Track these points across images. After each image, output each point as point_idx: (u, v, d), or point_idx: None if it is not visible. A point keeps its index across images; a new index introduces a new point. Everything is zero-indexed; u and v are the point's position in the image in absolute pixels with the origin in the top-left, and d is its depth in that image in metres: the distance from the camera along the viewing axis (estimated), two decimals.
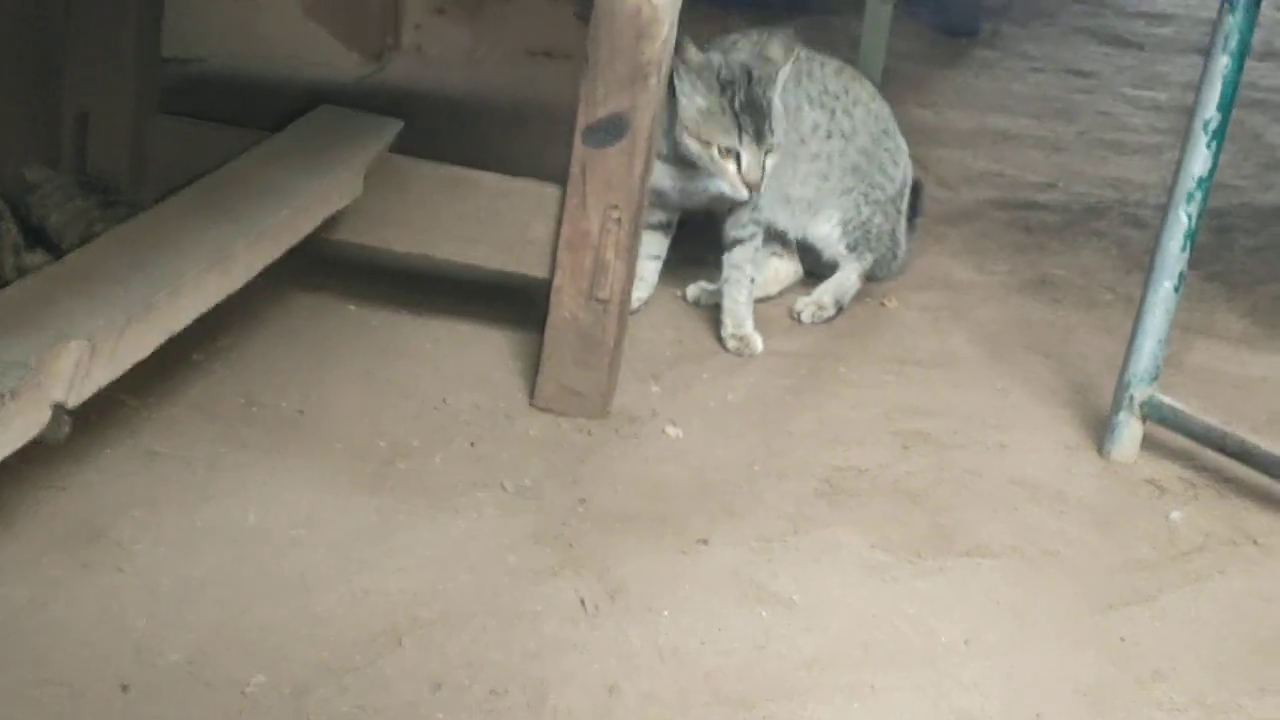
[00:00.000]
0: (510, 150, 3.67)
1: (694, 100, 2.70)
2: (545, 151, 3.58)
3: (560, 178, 2.60)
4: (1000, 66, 5.42)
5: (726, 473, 2.52)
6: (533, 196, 2.64)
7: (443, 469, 2.41)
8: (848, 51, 5.09)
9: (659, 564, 2.24)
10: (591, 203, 2.56)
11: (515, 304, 2.86)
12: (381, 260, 2.85)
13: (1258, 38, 2.42)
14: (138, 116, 2.71)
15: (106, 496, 2.20)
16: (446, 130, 3.80)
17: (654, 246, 3.01)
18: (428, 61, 4.67)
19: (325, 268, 2.87)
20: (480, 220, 2.66)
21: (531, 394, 2.66)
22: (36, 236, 2.28)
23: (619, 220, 2.56)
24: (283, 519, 2.21)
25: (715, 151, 2.71)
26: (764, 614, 2.15)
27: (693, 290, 3.11)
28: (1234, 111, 2.53)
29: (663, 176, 2.81)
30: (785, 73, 2.78)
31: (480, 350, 2.83)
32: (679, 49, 2.65)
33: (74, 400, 1.73)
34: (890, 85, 4.80)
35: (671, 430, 2.63)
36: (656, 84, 2.51)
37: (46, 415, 1.67)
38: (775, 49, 2.80)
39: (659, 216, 2.97)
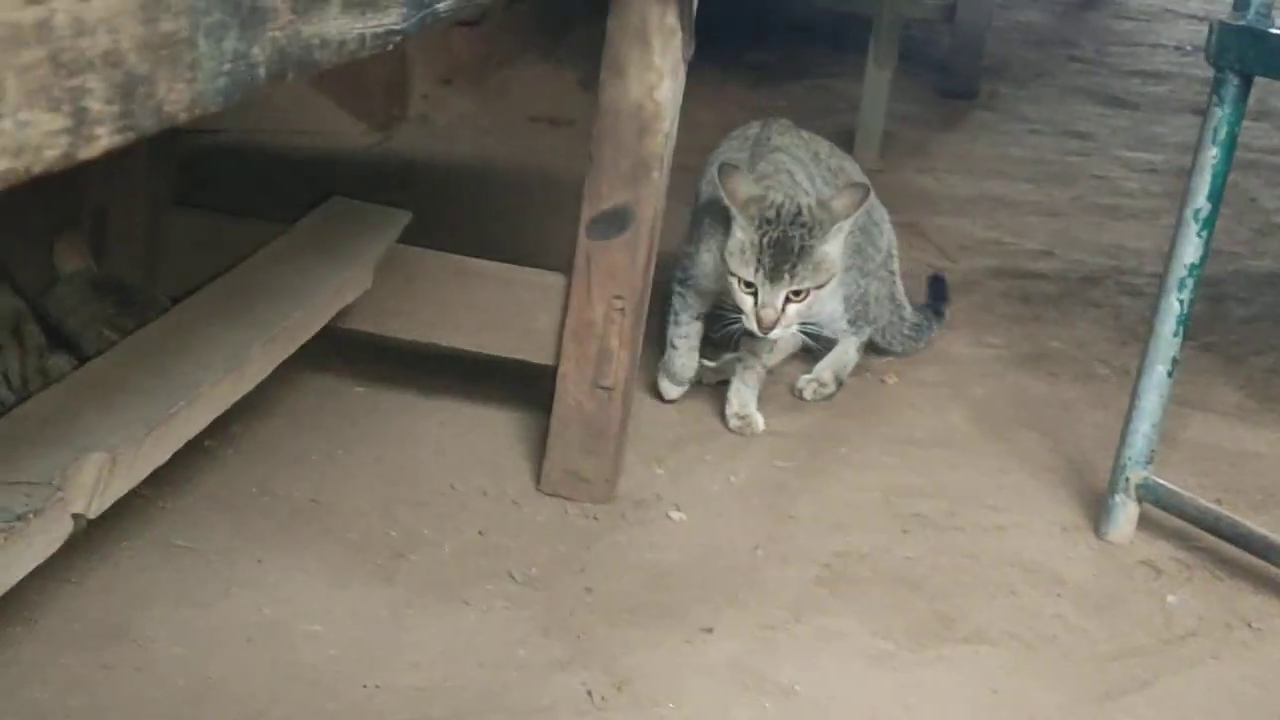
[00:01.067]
0: (514, 216, 3.74)
1: (736, 232, 2.73)
2: (548, 217, 3.67)
3: (562, 246, 2.66)
4: (998, 129, 5.49)
5: (730, 558, 2.57)
6: (538, 287, 2.70)
7: (453, 559, 2.46)
8: (848, 115, 5.18)
9: (664, 654, 2.28)
10: (596, 293, 2.62)
11: (519, 384, 2.91)
12: (389, 342, 2.90)
13: (1251, 97, 2.48)
14: (153, 210, 2.78)
15: (125, 592, 2.25)
16: (451, 199, 3.87)
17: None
18: (434, 131, 4.75)
19: (332, 348, 2.92)
20: (486, 310, 2.72)
21: (538, 479, 2.71)
22: (55, 337, 2.33)
23: (623, 310, 2.61)
24: (297, 614, 2.26)
25: (738, 284, 2.74)
26: (767, 705, 2.19)
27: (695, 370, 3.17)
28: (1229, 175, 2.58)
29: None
30: (845, 225, 2.77)
31: (486, 433, 2.88)
32: (724, 179, 2.73)
33: (94, 511, 1.78)
34: (890, 151, 4.90)
35: (675, 515, 2.68)
36: (659, 177, 2.57)
37: (69, 529, 1.72)
38: (843, 200, 2.78)
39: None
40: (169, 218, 2.79)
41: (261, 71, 0.90)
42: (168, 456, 1.97)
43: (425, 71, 4.83)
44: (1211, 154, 2.55)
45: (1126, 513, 2.71)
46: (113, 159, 2.53)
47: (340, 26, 1.08)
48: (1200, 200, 2.56)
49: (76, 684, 2.04)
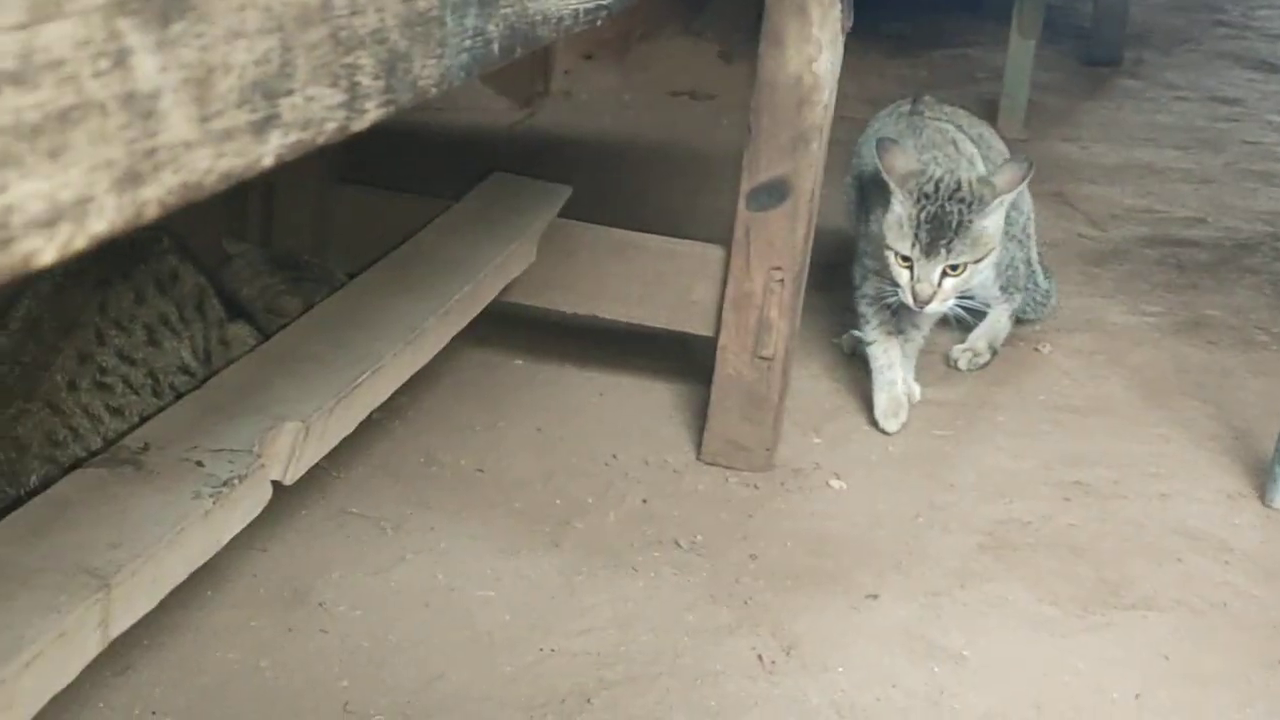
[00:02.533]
0: (660, 190, 3.77)
1: (894, 208, 2.70)
2: (694, 191, 3.69)
3: (710, 219, 2.68)
4: (1144, 96, 5.42)
5: (891, 526, 2.59)
6: (697, 259, 2.73)
7: (618, 527, 2.50)
8: (989, 84, 5.15)
9: (831, 620, 2.30)
10: (755, 264, 2.64)
11: (675, 356, 2.95)
12: (549, 316, 2.94)
13: None
14: (321, 186, 2.84)
15: (306, 558, 2.32)
16: (598, 171, 3.91)
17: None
18: (577, 106, 4.79)
19: (491, 322, 2.97)
20: (646, 282, 2.76)
21: (698, 448, 2.74)
22: (231, 308, 2.40)
23: (782, 281, 2.63)
24: (470, 580, 2.31)
25: (895, 258, 2.71)
26: (936, 670, 2.21)
27: (848, 339, 3.18)
28: None
29: None
30: (1006, 200, 2.72)
31: (645, 404, 2.92)
32: (886, 154, 2.70)
33: (290, 478, 1.84)
34: (1033, 119, 4.86)
35: (835, 483, 2.70)
36: (818, 149, 2.58)
37: (269, 494, 1.78)
38: (1007, 173, 2.75)
39: None
40: (335, 194, 2.86)
41: (495, 47, 0.94)
42: (354, 426, 2.03)
43: (567, 47, 4.88)
44: None
45: None
46: None
47: (558, 2, 1.12)
48: None
49: (265, 646, 2.11)
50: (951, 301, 2.74)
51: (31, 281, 2.07)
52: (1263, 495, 2.72)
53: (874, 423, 2.91)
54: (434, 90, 0.86)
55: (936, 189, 2.68)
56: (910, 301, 2.71)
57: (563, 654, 2.17)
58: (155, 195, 0.61)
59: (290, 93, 0.71)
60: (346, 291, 2.27)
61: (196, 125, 0.63)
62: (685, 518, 2.55)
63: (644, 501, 2.59)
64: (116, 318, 2.11)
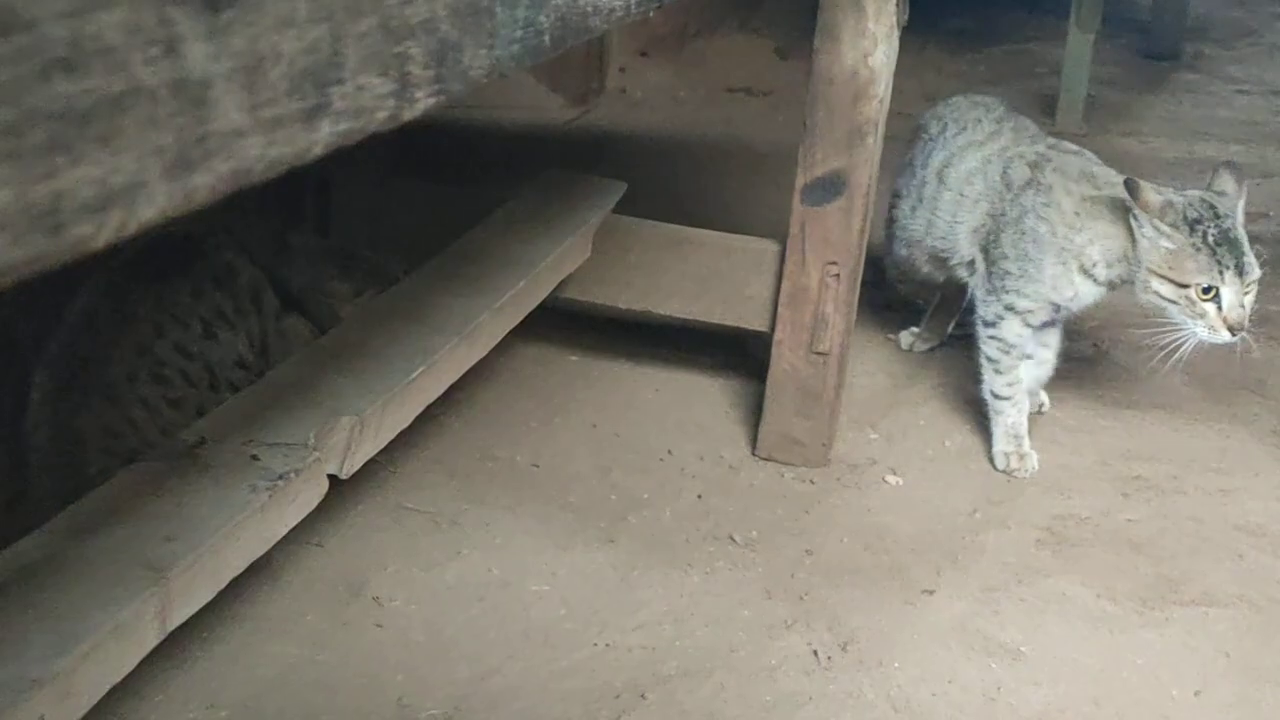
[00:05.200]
0: (716, 187, 3.77)
1: (1159, 243, 2.53)
2: (750, 187, 3.68)
3: (767, 214, 2.67)
4: (1204, 90, 5.37)
5: (948, 521, 2.57)
6: (752, 254, 2.72)
7: (673, 522, 2.49)
8: (1049, 79, 5.11)
9: (887, 615, 2.29)
10: (811, 259, 2.63)
11: (730, 352, 2.94)
12: (604, 312, 2.94)
13: None
14: (375, 182, 2.86)
15: (361, 552, 2.33)
16: (654, 168, 3.90)
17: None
18: (632, 103, 4.79)
19: (547, 318, 2.97)
20: (701, 278, 2.75)
21: (753, 444, 2.74)
22: (288, 301, 2.42)
23: (837, 276, 2.62)
24: (525, 574, 2.32)
25: (1193, 293, 2.52)
26: (993, 666, 2.19)
27: (906, 337, 3.17)
28: None
29: (1095, 295, 2.71)
30: (1242, 204, 2.62)
31: (699, 399, 2.91)
32: (1135, 192, 2.53)
33: (346, 472, 1.85)
34: (1092, 113, 4.82)
35: (892, 479, 2.69)
36: (874, 143, 2.57)
37: (325, 488, 1.79)
38: (1228, 181, 2.64)
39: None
40: (391, 188, 2.87)
41: (547, 39, 0.94)
42: (410, 420, 2.04)
43: (622, 44, 4.88)
44: None
45: None
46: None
47: None
48: None
49: (321, 639, 2.12)
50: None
51: (89, 275, 2.09)
52: None
53: (1003, 470, 2.76)
54: (485, 80, 0.86)
55: (1199, 212, 2.53)
56: (1221, 335, 2.54)
57: (617, 649, 2.17)
58: (206, 182, 0.61)
59: (341, 81, 0.71)
60: (401, 287, 2.28)
61: (247, 113, 0.64)
62: (741, 513, 2.54)
63: (699, 497, 2.59)
64: (174, 311, 2.13)
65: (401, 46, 0.76)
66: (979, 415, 2.93)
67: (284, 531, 1.70)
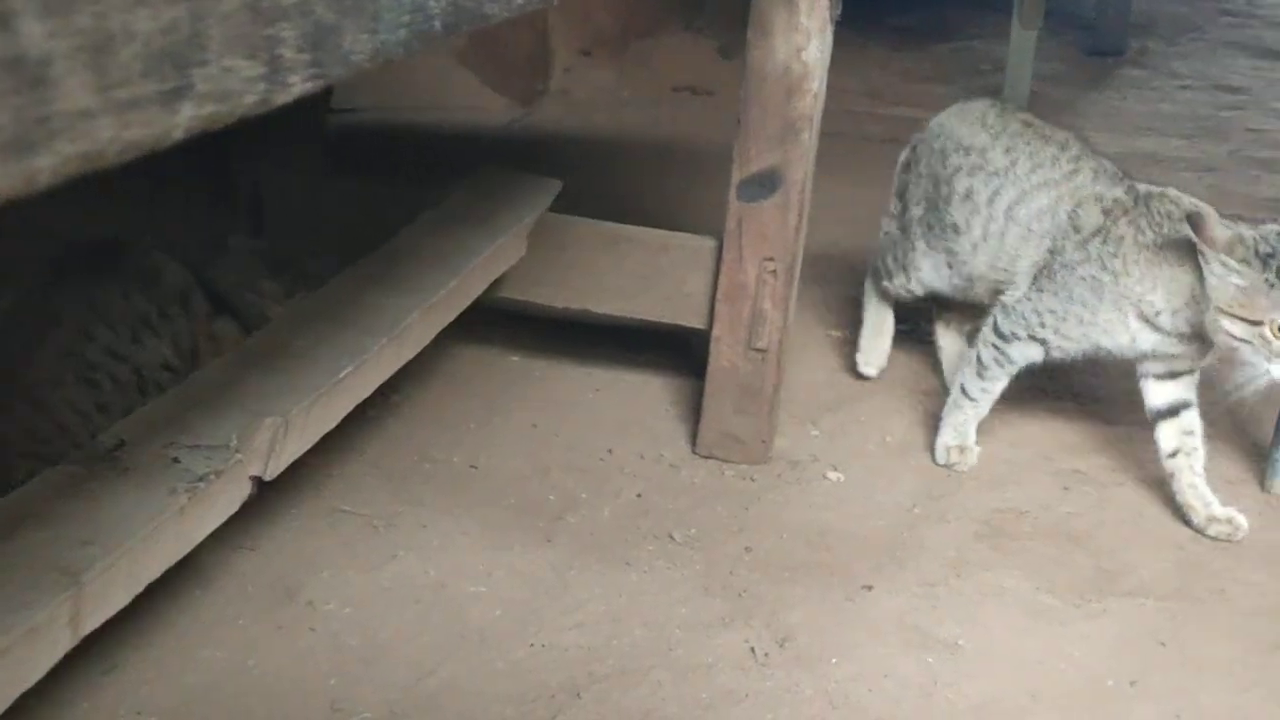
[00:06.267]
0: (659, 186, 3.76)
1: (1228, 280, 2.40)
2: (693, 187, 3.67)
3: (709, 214, 2.66)
4: (1148, 86, 5.40)
5: (888, 517, 2.57)
6: (689, 251, 2.71)
7: (612, 521, 2.48)
8: (993, 76, 5.13)
9: (826, 612, 2.29)
10: (748, 256, 2.62)
11: (672, 350, 2.93)
12: (542, 311, 2.92)
13: None
14: (306, 182, 2.84)
15: (295, 556, 2.31)
16: (595, 171, 3.89)
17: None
18: (576, 103, 4.78)
19: (486, 319, 2.95)
20: (638, 275, 2.74)
21: (694, 442, 2.73)
22: (220, 304, 2.40)
23: (774, 272, 2.62)
24: (461, 576, 2.30)
25: (1268, 330, 2.39)
26: (930, 660, 2.19)
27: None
28: None
29: (1168, 346, 2.59)
30: None
31: (640, 398, 2.90)
32: (1200, 226, 2.41)
33: (270, 473, 1.83)
34: (1036, 109, 4.81)
35: (832, 475, 2.68)
36: (808, 138, 2.56)
37: (247, 490, 1.77)
38: None
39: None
40: (323, 189, 2.85)
41: (437, 24, 0.92)
42: (337, 421, 2.02)
43: (565, 44, 4.87)
44: None
45: None
46: (266, 129, 2.60)
47: None
48: None
49: (253, 644, 2.09)
50: None
51: (12, 277, 2.07)
52: (1261, 481, 2.70)
53: (944, 464, 2.75)
54: (368, 64, 0.84)
55: (1273, 246, 2.39)
56: None
57: (553, 648, 2.15)
58: (48, 164, 0.59)
59: (204, 63, 0.69)
60: (330, 287, 2.26)
61: (96, 94, 0.62)
62: (680, 511, 2.53)
63: (639, 496, 2.57)
64: (101, 314, 2.10)
65: (272, 29, 0.75)
66: (919, 410, 2.94)
67: (205, 534, 1.68)
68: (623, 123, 4.62)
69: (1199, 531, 2.56)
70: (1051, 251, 2.65)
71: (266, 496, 2.26)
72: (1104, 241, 2.57)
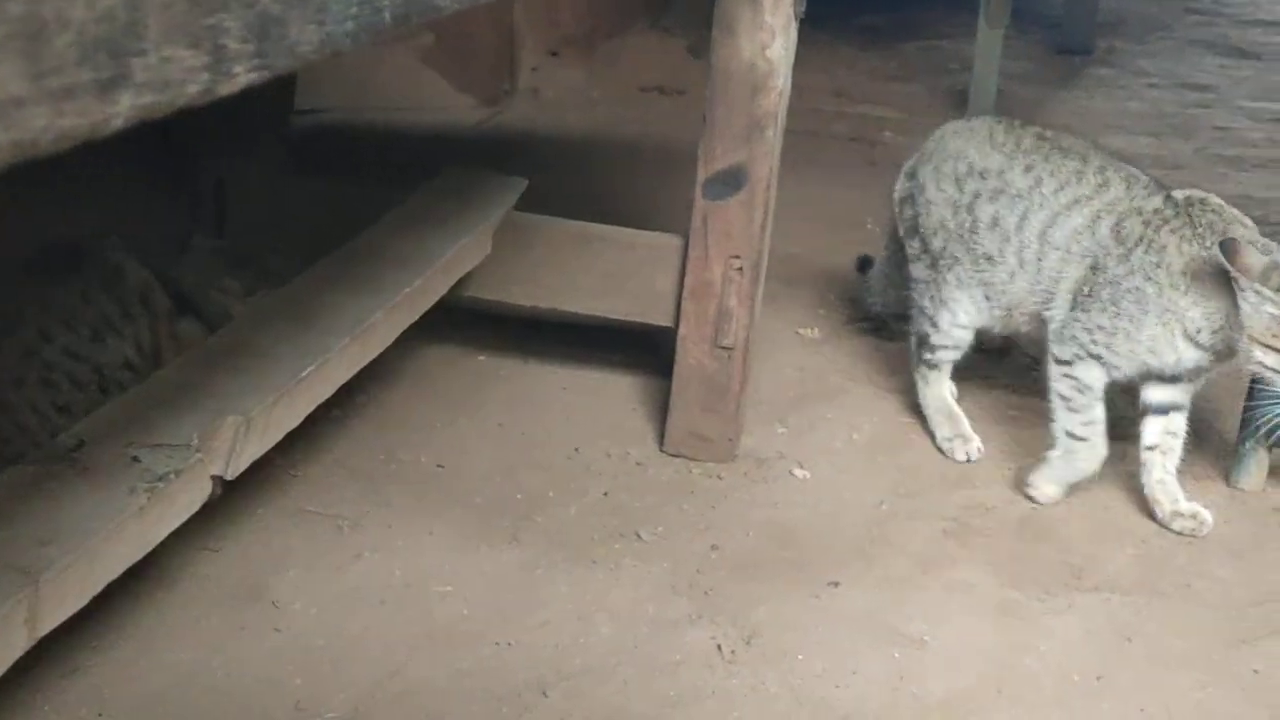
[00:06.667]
0: (627, 186, 3.75)
1: (1262, 309, 2.34)
2: (661, 186, 3.67)
3: (678, 213, 2.66)
4: (1116, 84, 5.41)
5: (855, 514, 2.57)
6: (655, 249, 2.71)
7: (579, 520, 2.48)
8: (961, 75, 5.13)
9: (792, 608, 2.29)
10: (713, 253, 2.62)
11: (640, 349, 2.93)
12: (509, 311, 2.92)
13: None
14: (271, 182, 2.83)
15: (260, 556, 2.30)
16: (563, 171, 3.89)
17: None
18: (543, 103, 4.77)
19: (453, 319, 2.95)
20: (606, 274, 2.74)
21: (661, 440, 2.73)
22: (184, 304, 2.39)
23: (740, 269, 2.62)
24: (428, 575, 2.29)
25: None
26: (897, 655, 2.19)
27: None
28: None
29: (1207, 363, 2.53)
30: None
31: (608, 397, 2.90)
32: (1234, 255, 2.35)
33: (231, 472, 1.82)
34: (1004, 109, 4.83)
35: (799, 472, 2.68)
36: (773, 136, 2.57)
37: (208, 489, 1.76)
38: None
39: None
40: (288, 188, 2.84)
41: (387, 15, 0.92)
42: (300, 420, 2.01)
43: (533, 44, 4.85)
44: None
45: (1257, 459, 2.67)
46: (230, 129, 2.58)
47: None
48: None
49: (217, 644, 2.08)
50: None
51: None
52: (1227, 477, 2.71)
53: (1027, 488, 2.63)
54: (315, 56, 0.84)
55: None
56: None
57: (520, 647, 2.15)
58: None
59: (142, 53, 0.69)
60: (293, 286, 2.25)
61: (29, 82, 0.61)
62: (647, 510, 2.53)
63: (605, 494, 2.57)
64: (62, 315, 2.09)
65: (214, 19, 0.74)
66: (887, 409, 2.94)
67: (165, 534, 1.67)
68: (591, 122, 4.62)
69: (1164, 525, 2.56)
70: (1094, 268, 2.57)
71: (231, 497, 2.25)
72: (1146, 251, 2.50)
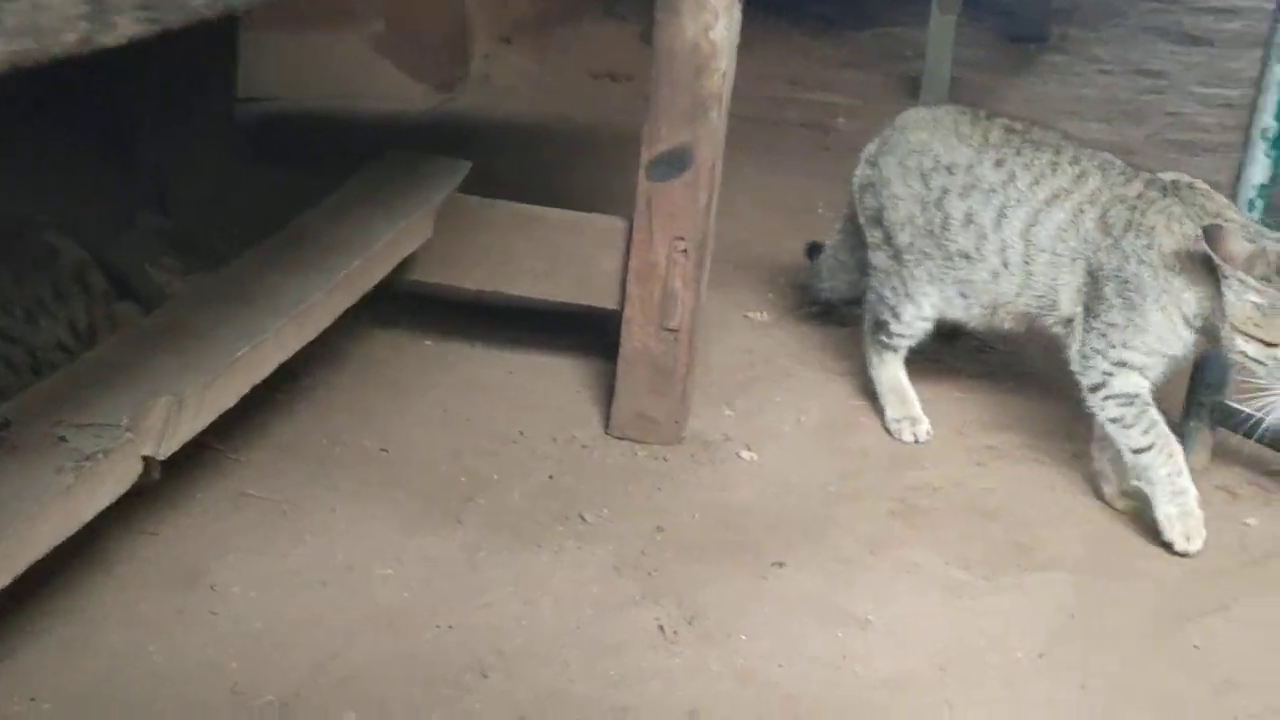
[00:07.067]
0: (579, 173, 3.74)
1: (1245, 296, 2.28)
2: (613, 172, 3.66)
3: (626, 198, 2.65)
4: (1070, 71, 5.43)
5: (802, 495, 2.56)
6: (601, 231, 2.70)
7: (523, 503, 2.46)
8: (914, 62, 5.14)
9: (736, 589, 2.28)
10: (658, 235, 2.61)
11: (588, 333, 2.92)
12: (456, 294, 2.90)
13: None
14: (214, 166, 2.80)
15: (199, 540, 2.28)
16: (514, 157, 3.87)
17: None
18: (496, 90, 4.75)
19: (402, 304, 2.93)
20: (550, 256, 2.73)
21: (607, 423, 2.71)
22: (122, 286, 2.37)
23: (685, 251, 2.61)
24: (370, 559, 2.27)
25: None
26: (841, 635, 2.19)
27: (1122, 498, 2.62)
28: None
29: (1194, 345, 2.47)
30: None
31: (555, 380, 2.88)
32: (1218, 242, 2.29)
33: (163, 453, 1.80)
34: (957, 96, 4.85)
35: (746, 454, 2.68)
36: (717, 117, 2.55)
37: (138, 469, 1.74)
38: None
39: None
40: (235, 171, 2.82)
41: None
42: (235, 400, 1.99)
43: (485, 31, 4.83)
44: (1278, 72, 2.51)
45: (1202, 438, 2.68)
46: (172, 114, 2.56)
47: None
48: (1267, 119, 2.53)
49: (153, 629, 2.06)
50: None
51: None
52: None
53: (1166, 545, 2.44)
54: (208, 13, 0.82)
55: None
56: None
57: (462, 629, 2.13)
58: None
59: None
60: (232, 267, 2.23)
61: None
62: (592, 492, 2.52)
63: (550, 477, 2.56)
64: None
65: None
66: (835, 392, 2.94)
67: (93, 513, 1.65)
68: (543, 109, 4.60)
69: (1109, 504, 2.56)
70: (1091, 273, 2.51)
71: (172, 482, 2.23)
72: (1136, 235, 2.45)
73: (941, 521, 2.51)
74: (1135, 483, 2.54)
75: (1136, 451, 2.46)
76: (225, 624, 2.09)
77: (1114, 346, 2.47)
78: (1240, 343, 2.30)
